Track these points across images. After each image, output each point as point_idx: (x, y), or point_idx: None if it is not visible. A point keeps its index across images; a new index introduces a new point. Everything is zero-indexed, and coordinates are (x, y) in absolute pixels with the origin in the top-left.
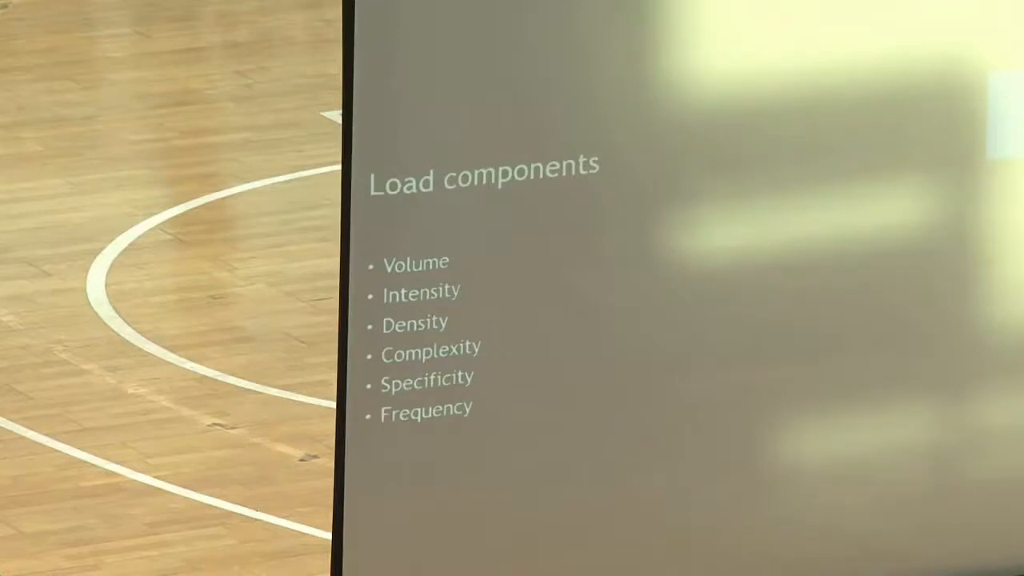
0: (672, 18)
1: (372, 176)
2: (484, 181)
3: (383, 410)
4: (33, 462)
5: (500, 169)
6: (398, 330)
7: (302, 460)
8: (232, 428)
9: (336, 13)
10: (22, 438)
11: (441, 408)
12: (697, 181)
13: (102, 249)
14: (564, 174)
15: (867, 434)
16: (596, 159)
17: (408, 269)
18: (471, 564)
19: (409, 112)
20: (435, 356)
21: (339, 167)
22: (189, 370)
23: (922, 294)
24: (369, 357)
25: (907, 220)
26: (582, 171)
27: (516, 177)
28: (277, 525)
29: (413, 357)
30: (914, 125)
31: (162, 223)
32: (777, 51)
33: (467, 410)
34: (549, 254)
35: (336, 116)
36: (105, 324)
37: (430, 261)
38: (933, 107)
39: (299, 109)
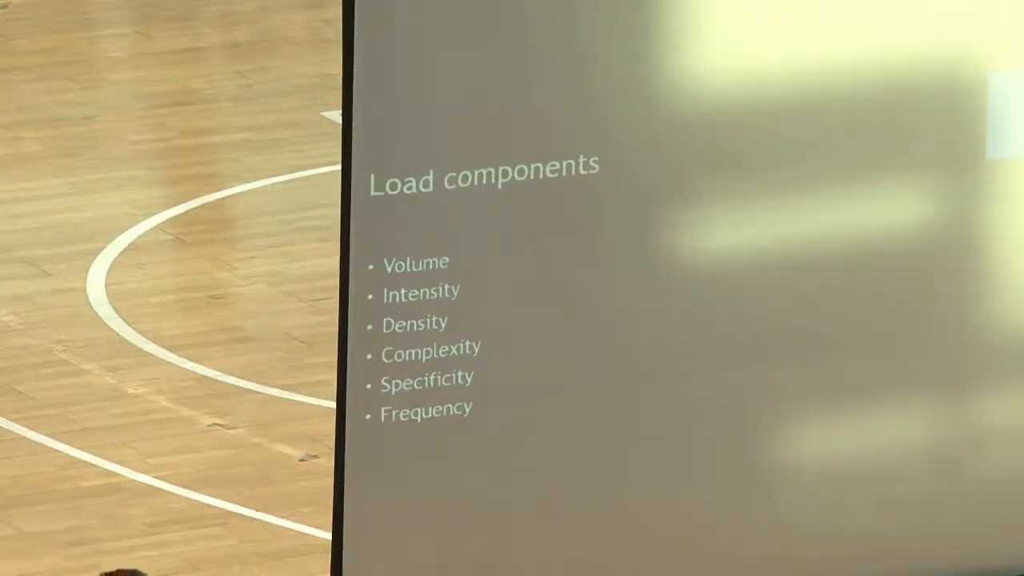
0: (672, 19)
1: (372, 176)
2: (484, 181)
3: (383, 410)
4: (33, 462)
5: (500, 169)
6: (398, 330)
7: (302, 460)
8: (232, 428)
9: (336, 13)
10: (22, 438)
11: (441, 408)
12: (697, 181)
13: (102, 249)
14: (564, 174)
15: (867, 434)
16: (596, 159)
17: (408, 269)
18: (470, 564)
19: (409, 112)
20: (435, 356)
21: (339, 167)
22: (189, 370)
23: (922, 294)
24: (369, 357)
25: (907, 220)
26: (582, 171)
27: (516, 177)
28: (277, 525)
29: (413, 357)
30: (914, 125)
31: (162, 223)
32: (777, 51)
33: (467, 410)
34: (549, 254)
35: (336, 116)
36: (105, 324)
37: (430, 261)
38: (934, 107)
39: (299, 109)
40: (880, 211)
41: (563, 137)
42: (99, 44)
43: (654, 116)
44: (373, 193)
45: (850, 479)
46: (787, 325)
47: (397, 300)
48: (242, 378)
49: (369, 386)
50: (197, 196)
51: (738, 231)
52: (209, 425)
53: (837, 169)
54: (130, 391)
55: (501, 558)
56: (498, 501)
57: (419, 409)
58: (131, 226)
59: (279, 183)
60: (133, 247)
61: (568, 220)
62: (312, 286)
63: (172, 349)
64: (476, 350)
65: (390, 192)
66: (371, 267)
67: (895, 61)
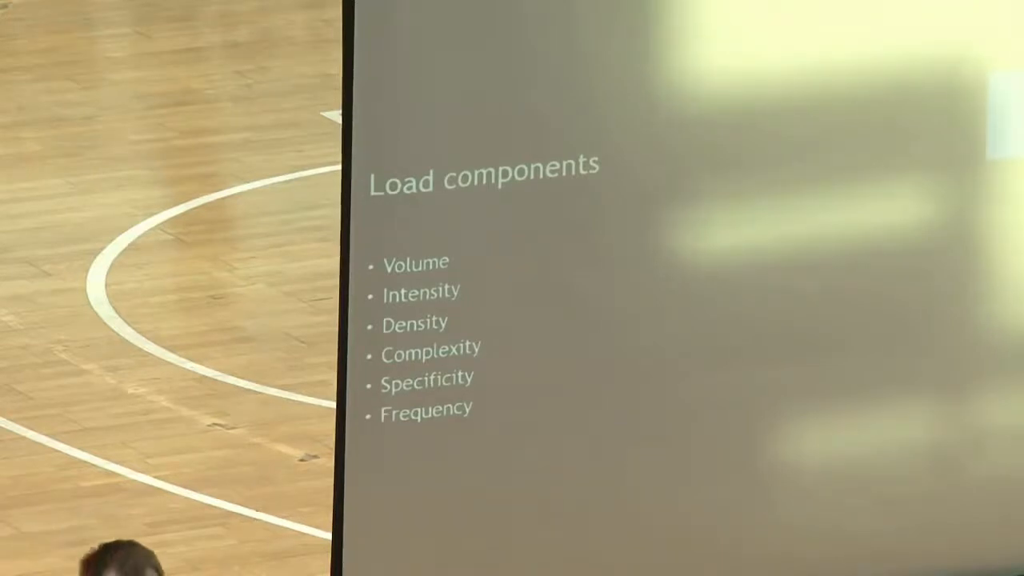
0: (672, 19)
1: (372, 176)
2: (484, 181)
3: (383, 410)
4: (33, 462)
5: (500, 169)
6: (398, 330)
7: (302, 460)
8: (232, 428)
9: (336, 13)
10: (22, 438)
11: (441, 408)
12: (697, 181)
13: (102, 249)
14: (564, 174)
15: (867, 434)
16: (596, 159)
17: (408, 269)
18: (470, 564)
19: (409, 112)
20: (435, 356)
21: (339, 167)
22: (189, 370)
23: (922, 294)
24: (369, 357)
25: (907, 220)
26: (582, 171)
27: (516, 177)
28: (277, 525)
29: (413, 357)
30: (914, 125)
31: (162, 223)
32: (777, 51)
33: (467, 410)
34: (549, 254)
35: (336, 116)
36: (105, 324)
37: (430, 261)
38: (934, 107)
39: (299, 109)
40: (880, 211)
41: (563, 137)
42: (99, 44)
43: (654, 116)
44: (373, 193)
45: (850, 479)
46: (787, 325)
47: (397, 300)
48: (242, 378)
49: (369, 386)
50: (197, 196)
51: (738, 231)
52: (209, 425)
53: (837, 169)
54: (130, 391)
55: (501, 558)
56: (498, 501)
57: (419, 409)
58: (131, 226)
59: (279, 183)
60: (133, 247)
61: (568, 220)
62: (312, 286)
63: (172, 349)
64: (476, 350)
65: (390, 192)
66: (371, 267)
67: (895, 61)
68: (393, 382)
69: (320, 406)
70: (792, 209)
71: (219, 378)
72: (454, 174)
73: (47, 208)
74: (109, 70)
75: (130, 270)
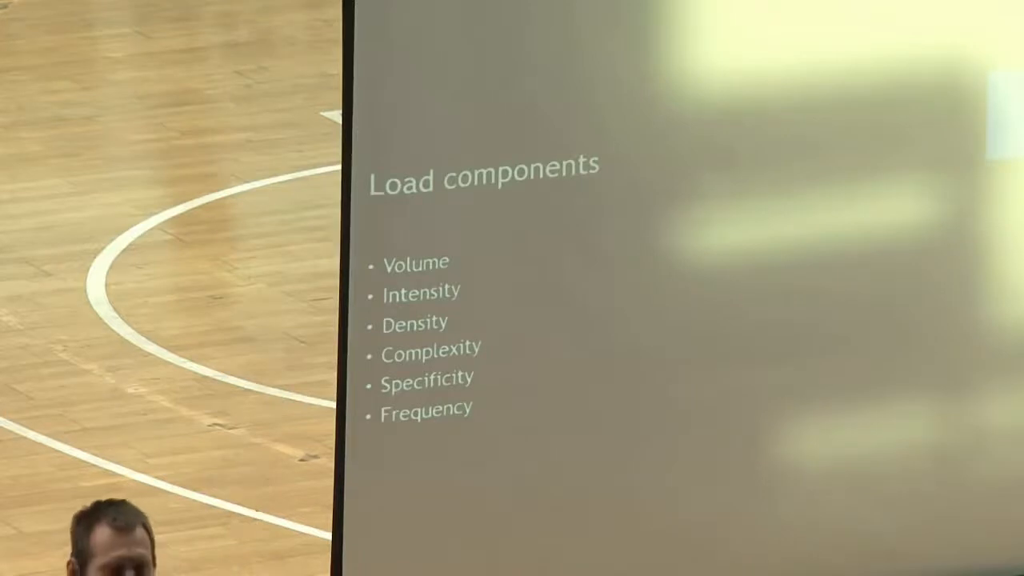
0: (672, 18)
1: (372, 176)
2: (484, 181)
3: (383, 410)
4: (33, 462)
5: (500, 169)
6: (398, 330)
7: (302, 460)
8: (232, 428)
9: (336, 13)
10: (22, 438)
11: (441, 408)
12: (697, 181)
13: (102, 249)
14: (564, 174)
15: (868, 434)
16: (596, 159)
17: (408, 269)
18: (470, 564)
19: (409, 112)
20: (435, 356)
21: (339, 167)
22: (189, 370)
23: (922, 294)
24: (369, 357)
25: (907, 220)
26: (582, 171)
27: (516, 177)
28: (277, 525)
29: (413, 357)
30: (914, 125)
31: (162, 223)
32: (777, 51)
33: (467, 410)
34: (549, 254)
35: (336, 116)
36: (105, 324)
37: (430, 261)
38: (933, 107)
39: (299, 109)
40: (880, 211)
41: (563, 137)
42: (99, 44)
43: (654, 116)
44: (373, 193)
45: (851, 479)
46: (787, 325)
47: (397, 300)
48: (242, 378)
49: (369, 386)
50: (197, 196)
51: (738, 231)
52: (209, 425)
53: (837, 169)
54: (130, 391)
55: (501, 558)
56: (498, 501)
57: (419, 409)
58: (131, 226)
59: (279, 183)
60: (133, 247)
61: (568, 220)
62: (312, 286)
63: (172, 349)
64: (476, 350)
65: (390, 192)
66: (371, 267)
67: (895, 61)
68: (393, 382)
69: (320, 406)
70: (792, 209)
71: (219, 378)
72: (454, 174)
73: (47, 208)
74: (109, 70)
75: (130, 270)
